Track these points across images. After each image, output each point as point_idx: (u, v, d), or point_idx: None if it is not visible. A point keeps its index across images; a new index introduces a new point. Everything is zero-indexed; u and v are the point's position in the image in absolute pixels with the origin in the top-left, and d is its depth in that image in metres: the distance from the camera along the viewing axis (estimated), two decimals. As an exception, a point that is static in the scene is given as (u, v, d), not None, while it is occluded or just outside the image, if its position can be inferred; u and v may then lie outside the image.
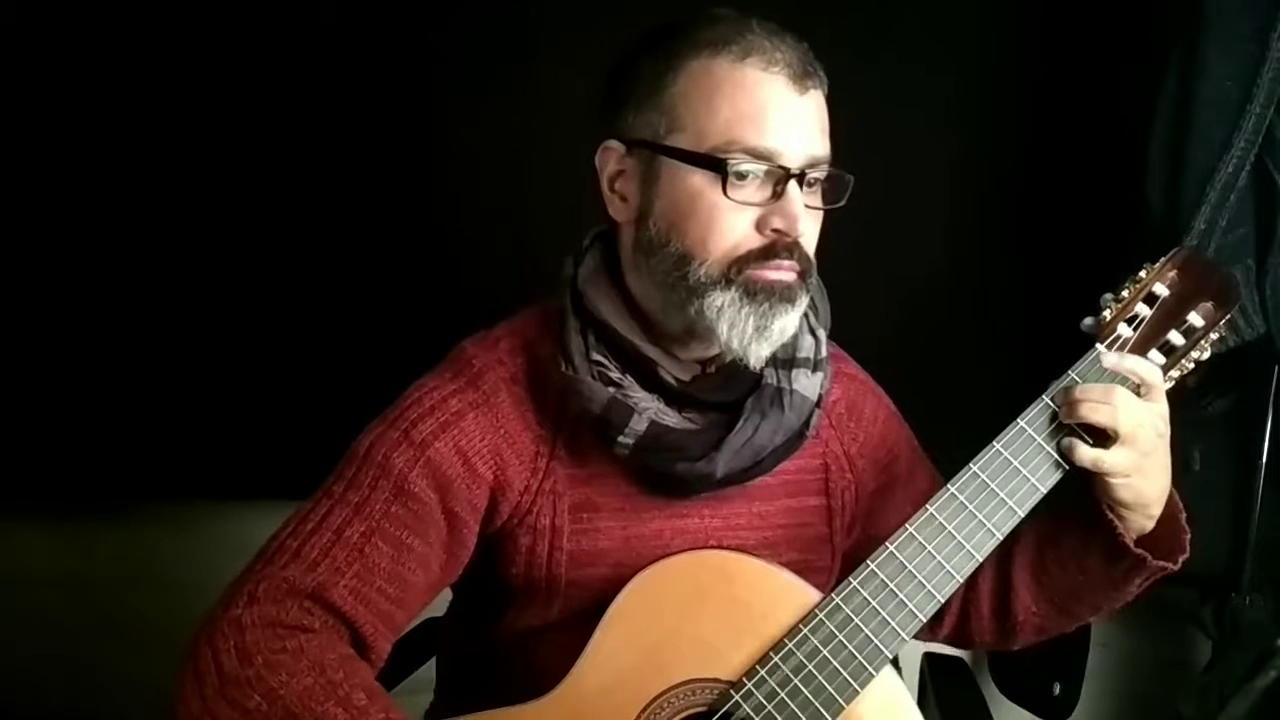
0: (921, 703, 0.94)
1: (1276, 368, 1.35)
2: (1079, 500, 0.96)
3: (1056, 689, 1.53)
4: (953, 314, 1.58)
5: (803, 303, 0.92)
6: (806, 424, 0.98)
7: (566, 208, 1.01)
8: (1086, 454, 0.89)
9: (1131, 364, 0.91)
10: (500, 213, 1.58)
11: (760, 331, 0.89)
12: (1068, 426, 0.91)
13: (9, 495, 1.69)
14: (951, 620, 1.09)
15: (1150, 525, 0.96)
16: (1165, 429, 0.92)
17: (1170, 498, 0.96)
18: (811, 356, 0.99)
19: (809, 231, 0.92)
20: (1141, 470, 0.91)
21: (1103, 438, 0.90)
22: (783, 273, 0.89)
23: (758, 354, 0.91)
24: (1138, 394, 0.91)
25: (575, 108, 1.03)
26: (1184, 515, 0.97)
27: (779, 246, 0.89)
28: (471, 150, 1.58)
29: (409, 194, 1.60)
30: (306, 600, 0.83)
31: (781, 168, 0.88)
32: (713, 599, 0.91)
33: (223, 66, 1.55)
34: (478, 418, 0.93)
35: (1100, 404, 0.89)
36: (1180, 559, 0.97)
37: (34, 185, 1.59)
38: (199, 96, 1.55)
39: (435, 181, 1.60)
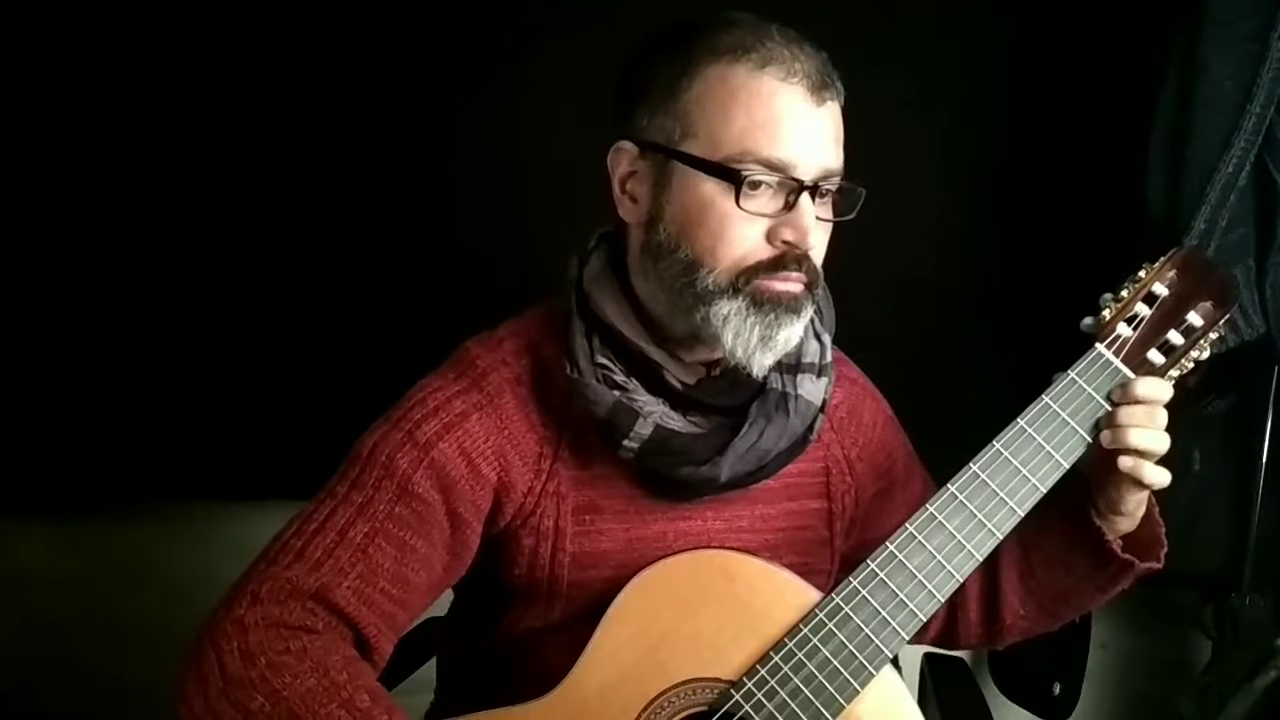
0: (921, 703, 0.94)
1: (1276, 368, 1.35)
2: (1063, 505, 0.97)
3: (1056, 689, 1.53)
4: (952, 314, 1.58)
5: (808, 313, 0.92)
6: (810, 429, 0.98)
7: (571, 207, 1.00)
8: (1159, 476, 0.90)
9: (1153, 390, 0.91)
10: (504, 211, 1.58)
11: (765, 342, 0.89)
12: (1073, 429, 0.91)
13: (9, 495, 1.69)
14: (938, 624, 1.10)
15: (1134, 526, 0.98)
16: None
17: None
18: (816, 361, 0.99)
19: (818, 244, 0.91)
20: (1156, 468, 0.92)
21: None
22: (790, 284, 0.89)
23: (761, 363, 0.91)
24: None
25: (581, 105, 1.03)
26: (1158, 509, 0.99)
27: (788, 258, 0.88)
28: (474, 148, 1.57)
29: (411, 192, 1.60)
30: (310, 601, 0.83)
31: (795, 180, 0.87)
32: (713, 598, 0.91)
33: (226, 67, 1.54)
34: (482, 419, 0.93)
35: (1148, 429, 0.89)
36: (1161, 554, 0.98)
37: (36, 184, 1.59)
38: (204, 98, 1.55)
39: (438, 180, 1.60)
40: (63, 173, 1.58)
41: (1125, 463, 0.90)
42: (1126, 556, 0.97)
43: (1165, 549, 0.99)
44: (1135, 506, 0.95)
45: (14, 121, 1.56)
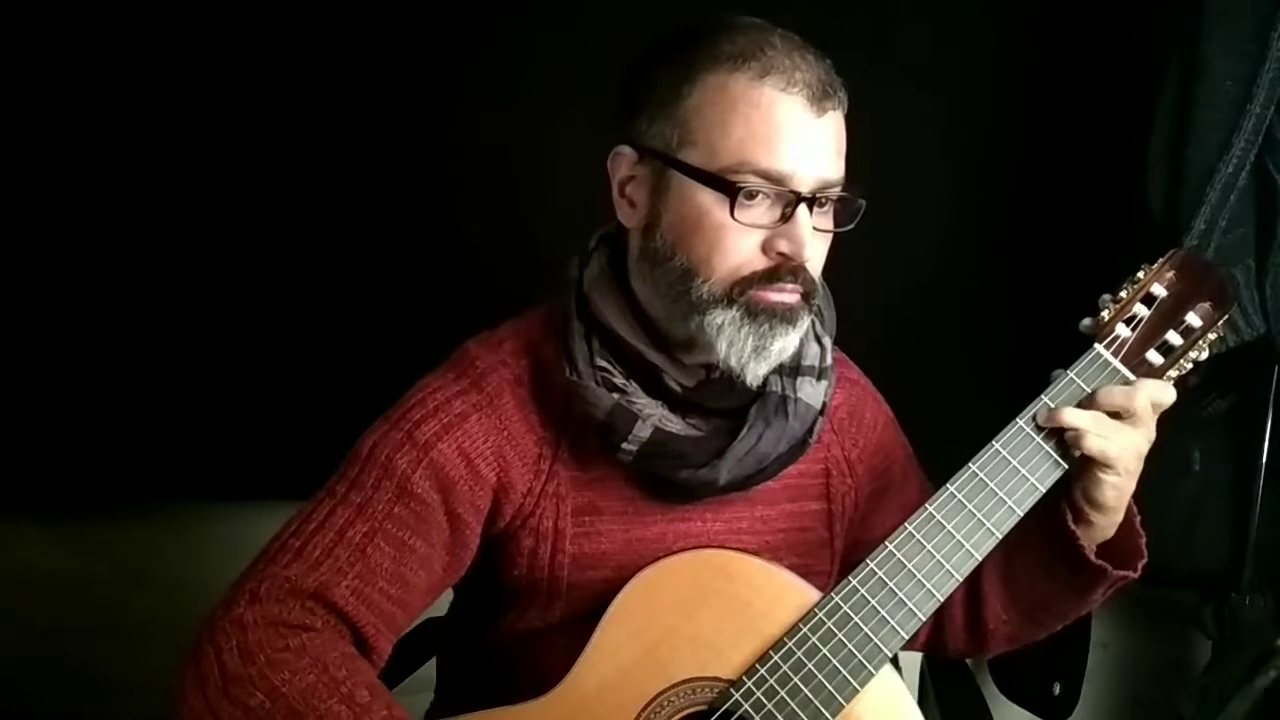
0: (921, 703, 0.94)
1: (1276, 368, 1.35)
2: (1044, 511, 0.95)
3: (1056, 689, 1.53)
4: (952, 315, 1.58)
5: (804, 323, 0.92)
6: (810, 432, 0.97)
7: (573, 207, 1.00)
8: (1094, 443, 0.88)
9: (1139, 399, 0.89)
10: (505, 211, 1.58)
11: (759, 352, 0.89)
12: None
13: (9, 495, 1.69)
14: (925, 630, 1.09)
15: (1112, 531, 0.96)
16: (1148, 443, 0.92)
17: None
18: (816, 364, 0.98)
19: (815, 255, 0.91)
20: (1130, 473, 0.91)
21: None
22: (786, 295, 0.89)
23: (755, 373, 0.90)
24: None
25: (584, 105, 1.02)
26: (1139, 520, 0.97)
27: (784, 269, 0.88)
28: (476, 148, 1.57)
29: (412, 192, 1.60)
30: (309, 600, 0.83)
31: (792, 191, 0.86)
32: (713, 598, 0.91)
33: (227, 67, 1.54)
34: (481, 419, 0.93)
35: (1098, 434, 0.88)
36: (1139, 564, 0.97)
37: (36, 184, 1.59)
38: (205, 97, 1.55)
39: (439, 179, 1.60)
40: (62, 172, 1.58)
41: (1070, 434, 0.89)
42: (1099, 563, 0.94)
43: (1144, 560, 0.97)
44: (1116, 499, 0.92)
45: (14, 122, 1.56)
